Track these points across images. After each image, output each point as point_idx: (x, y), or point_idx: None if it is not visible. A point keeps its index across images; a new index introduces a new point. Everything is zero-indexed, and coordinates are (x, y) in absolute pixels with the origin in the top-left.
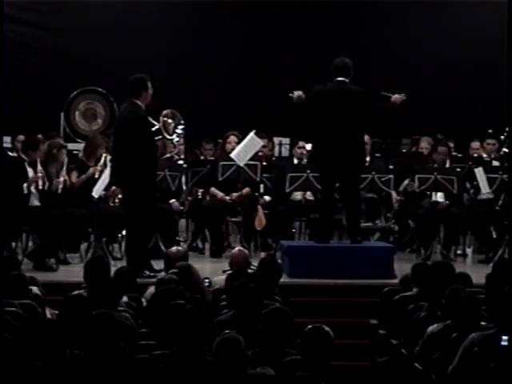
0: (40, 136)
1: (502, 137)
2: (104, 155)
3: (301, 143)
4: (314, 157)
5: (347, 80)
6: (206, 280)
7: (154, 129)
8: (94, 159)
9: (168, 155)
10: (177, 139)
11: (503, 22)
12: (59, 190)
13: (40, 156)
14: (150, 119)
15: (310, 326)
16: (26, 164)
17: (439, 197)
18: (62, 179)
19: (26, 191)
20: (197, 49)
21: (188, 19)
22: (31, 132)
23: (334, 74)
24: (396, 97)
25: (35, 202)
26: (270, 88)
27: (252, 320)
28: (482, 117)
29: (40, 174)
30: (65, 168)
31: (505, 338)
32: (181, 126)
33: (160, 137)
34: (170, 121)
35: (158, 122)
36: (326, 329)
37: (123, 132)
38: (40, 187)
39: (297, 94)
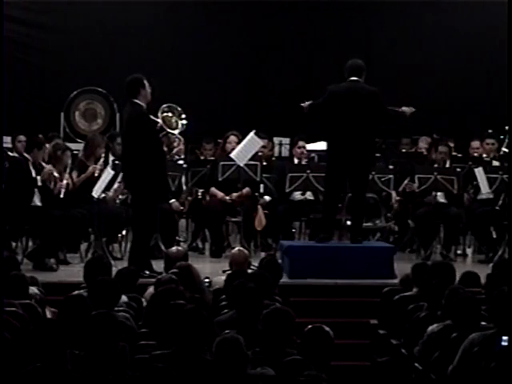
0: (41, 136)
1: (502, 136)
2: (103, 155)
3: (300, 143)
4: (328, 156)
5: (360, 80)
6: (206, 280)
7: (157, 126)
8: (94, 159)
9: (175, 150)
10: (178, 131)
11: (503, 22)
12: (61, 195)
13: (44, 156)
14: (152, 117)
15: (310, 326)
16: (30, 164)
17: (439, 197)
18: (65, 182)
19: (40, 183)
20: (197, 49)
21: (188, 19)
22: (31, 132)
23: (346, 74)
24: (405, 109)
25: (37, 202)
26: (270, 88)
27: (252, 320)
28: (482, 117)
29: (50, 171)
30: (68, 170)
31: (505, 338)
32: (183, 116)
33: (164, 133)
34: (170, 114)
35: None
36: (326, 329)
37: (128, 132)
38: (51, 183)
39: (307, 104)
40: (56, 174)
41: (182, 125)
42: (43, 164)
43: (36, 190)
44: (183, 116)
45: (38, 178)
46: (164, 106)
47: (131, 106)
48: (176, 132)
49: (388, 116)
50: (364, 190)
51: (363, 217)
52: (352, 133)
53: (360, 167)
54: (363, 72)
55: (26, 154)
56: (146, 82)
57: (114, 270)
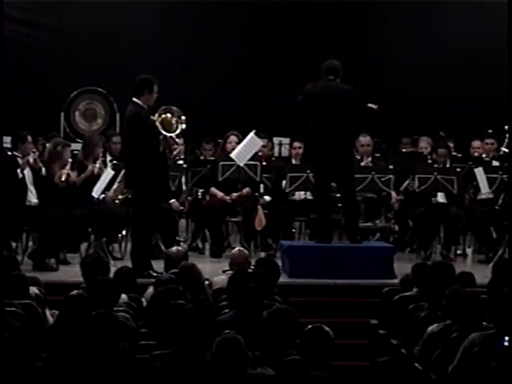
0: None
1: (502, 136)
2: (101, 155)
3: (296, 144)
4: (306, 156)
5: (336, 79)
6: (206, 282)
7: (161, 137)
8: (93, 158)
9: (175, 152)
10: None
11: (503, 21)
12: (62, 181)
13: (31, 147)
14: (161, 130)
15: (309, 326)
16: (20, 160)
17: (440, 197)
18: (65, 173)
19: (20, 175)
20: (197, 49)
21: (188, 19)
22: (31, 132)
23: (323, 74)
24: (370, 105)
25: (33, 200)
26: (270, 88)
27: (252, 320)
28: (482, 117)
29: (31, 158)
30: (68, 167)
31: (507, 338)
32: (182, 116)
33: (162, 136)
34: (169, 115)
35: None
36: (326, 329)
37: (127, 132)
38: (31, 160)
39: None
40: (31, 160)
41: (182, 128)
42: (30, 153)
43: (31, 187)
44: (182, 117)
45: (18, 170)
46: (160, 109)
47: (131, 106)
48: (176, 133)
49: (363, 114)
50: (352, 189)
51: (358, 215)
52: (330, 132)
53: (342, 166)
54: (339, 72)
55: (15, 153)
56: (155, 87)
57: (113, 270)
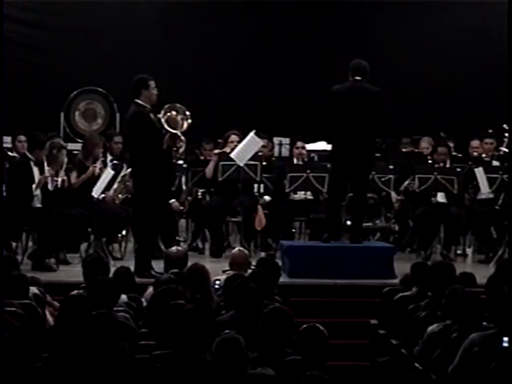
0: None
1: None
2: (101, 155)
3: (299, 143)
4: (332, 155)
5: (363, 80)
6: (217, 282)
7: (167, 136)
8: (92, 159)
9: (181, 150)
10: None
11: (503, 21)
12: (51, 187)
13: (46, 154)
14: (167, 127)
15: (304, 326)
16: (32, 163)
17: (440, 197)
18: (60, 180)
19: (35, 192)
20: (197, 48)
21: (188, 19)
22: (31, 132)
23: (350, 74)
24: None
25: (37, 204)
26: (270, 87)
27: (252, 320)
28: (482, 117)
29: (48, 174)
30: (63, 168)
31: (506, 339)
32: (187, 113)
33: (169, 134)
34: (174, 113)
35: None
36: (321, 328)
37: (128, 132)
38: (50, 187)
39: None
40: (49, 180)
41: (188, 123)
42: (45, 164)
43: (38, 192)
44: (187, 112)
45: (34, 186)
46: (165, 106)
47: (132, 107)
48: (183, 129)
49: (386, 117)
50: (365, 190)
51: (363, 217)
52: (354, 132)
53: (361, 167)
54: (367, 73)
55: (28, 154)
56: (151, 83)
57: (113, 270)
